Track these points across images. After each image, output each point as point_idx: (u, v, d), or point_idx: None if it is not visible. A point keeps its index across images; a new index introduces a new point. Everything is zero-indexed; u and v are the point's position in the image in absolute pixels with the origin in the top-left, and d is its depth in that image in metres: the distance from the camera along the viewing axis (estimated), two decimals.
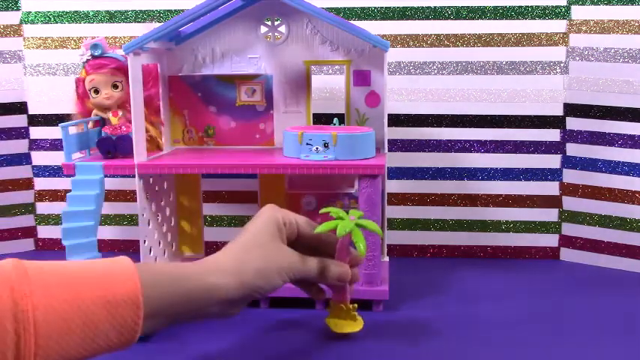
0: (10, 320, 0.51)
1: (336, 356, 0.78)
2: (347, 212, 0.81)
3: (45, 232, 1.25)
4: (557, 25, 1.11)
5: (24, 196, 1.23)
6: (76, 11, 1.19)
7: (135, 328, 0.58)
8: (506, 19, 1.12)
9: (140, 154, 0.92)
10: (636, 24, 1.06)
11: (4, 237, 1.22)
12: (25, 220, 1.24)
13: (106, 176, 0.91)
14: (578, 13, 1.10)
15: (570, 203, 1.14)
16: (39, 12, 1.19)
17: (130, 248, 1.22)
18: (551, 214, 1.15)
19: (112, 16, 1.18)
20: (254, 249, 0.71)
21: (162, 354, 0.80)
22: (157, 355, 0.80)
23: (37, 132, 1.22)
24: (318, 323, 0.87)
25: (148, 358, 0.79)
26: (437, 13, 1.13)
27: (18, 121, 1.21)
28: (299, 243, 0.78)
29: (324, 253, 0.79)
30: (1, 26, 1.19)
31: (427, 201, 1.18)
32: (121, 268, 0.60)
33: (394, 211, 1.17)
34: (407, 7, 1.13)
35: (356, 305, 0.82)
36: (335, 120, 0.99)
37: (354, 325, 0.82)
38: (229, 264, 0.69)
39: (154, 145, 1.00)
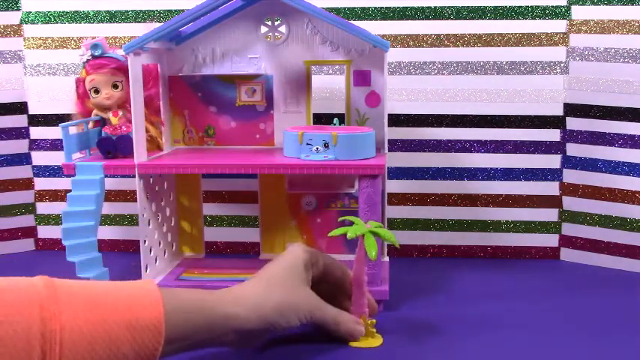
0: (37, 339, 0.53)
1: (336, 356, 0.78)
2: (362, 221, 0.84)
3: (45, 232, 1.25)
4: (557, 25, 1.11)
5: (24, 196, 1.23)
6: (76, 11, 1.19)
7: (154, 352, 0.60)
8: (506, 19, 1.12)
9: (140, 154, 0.92)
10: (636, 24, 1.06)
11: (4, 237, 1.22)
12: (25, 220, 1.24)
13: (106, 176, 0.91)
14: (578, 13, 1.10)
15: (570, 203, 1.14)
16: (39, 12, 1.19)
17: (130, 248, 1.22)
18: (551, 214, 1.15)
19: (112, 16, 1.18)
20: (277, 286, 0.74)
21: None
22: None
23: (37, 132, 1.22)
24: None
25: None
26: (437, 13, 1.13)
27: (18, 121, 1.21)
28: (323, 281, 0.81)
29: (345, 294, 0.83)
30: (1, 26, 1.19)
31: (427, 201, 1.18)
32: (146, 293, 0.62)
33: (394, 211, 1.17)
34: (407, 7, 1.13)
35: (374, 321, 0.82)
36: (335, 120, 0.99)
37: (372, 342, 0.81)
38: (251, 297, 0.71)
39: (154, 145, 1.00)
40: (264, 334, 0.73)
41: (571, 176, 1.13)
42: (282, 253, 0.79)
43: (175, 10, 1.16)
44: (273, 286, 0.73)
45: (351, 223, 0.83)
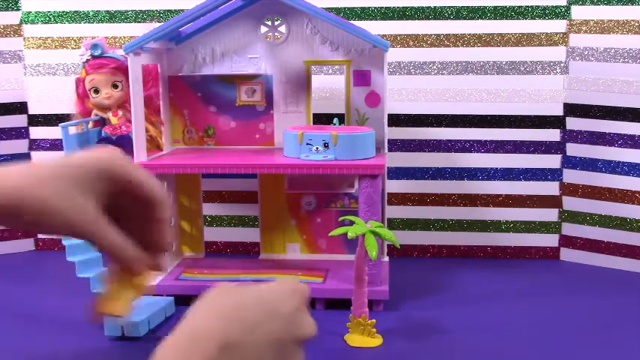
0: None
1: (336, 356, 0.79)
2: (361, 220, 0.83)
3: None
4: (557, 25, 1.11)
5: None
6: (76, 11, 1.19)
7: None
8: (506, 19, 1.12)
9: (140, 154, 0.92)
10: (636, 24, 1.06)
11: (4, 237, 1.22)
12: None
13: None
14: (578, 13, 1.10)
15: (570, 203, 1.14)
16: (39, 12, 1.19)
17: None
18: (551, 214, 1.15)
19: (112, 16, 1.18)
20: (47, 179, 0.56)
21: None
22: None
23: (37, 132, 1.22)
24: (317, 322, 0.86)
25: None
26: (437, 13, 1.13)
27: (18, 121, 1.21)
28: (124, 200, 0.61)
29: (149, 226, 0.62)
30: (1, 26, 1.19)
31: (427, 201, 1.18)
32: None
33: (394, 211, 1.17)
34: (407, 7, 1.13)
35: (374, 321, 0.82)
36: (335, 120, 0.99)
37: (372, 342, 0.81)
38: (11, 178, 0.56)
39: (153, 145, 1.00)
40: (17, 222, 0.57)
41: (571, 176, 1.13)
42: (81, 153, 0.59)
43: (175, 10, 1.16)
44: (42, 179, 0.56)
45: (351, 223, 0.83)
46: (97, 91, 0.96)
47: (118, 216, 0.60)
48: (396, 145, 1.16)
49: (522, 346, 0.81)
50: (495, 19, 1.12)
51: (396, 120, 1.15)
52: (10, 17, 1.19)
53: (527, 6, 1.11)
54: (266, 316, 0.50)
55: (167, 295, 0.93)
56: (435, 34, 1.13)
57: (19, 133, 1.22)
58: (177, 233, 1.09)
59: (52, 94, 1.20)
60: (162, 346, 0.47)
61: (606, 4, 1.08)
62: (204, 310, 0.51)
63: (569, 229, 1.15)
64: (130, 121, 0.93)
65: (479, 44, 1.13)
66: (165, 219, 0.62)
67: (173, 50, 1.03)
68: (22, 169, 0.57)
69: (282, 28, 1.01)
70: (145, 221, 0.62)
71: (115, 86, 0.96)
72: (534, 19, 1.11)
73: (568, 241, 1.15)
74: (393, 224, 1.18)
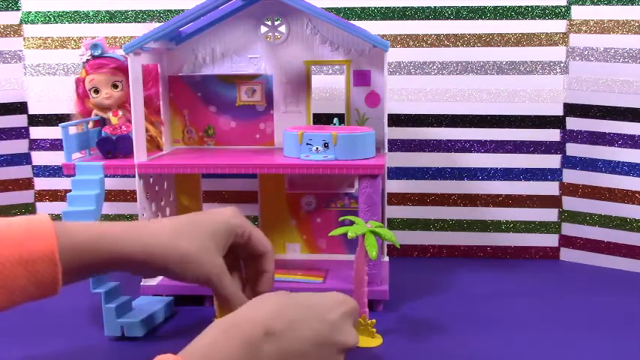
0: None
1: None
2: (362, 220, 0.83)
3: None
4: (557, 25, 1.11)
5: (24, 196, 1.23)
6: (76, 11, 1.19)
7: (54, 282, 0.61)
8: (506, 19, 1.12)
9: (140, 154, 0.92)
10: (636, 24, 1.06)
11: None
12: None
13: (106, 176, 0.91)
14: (578, 13, 1.10)
15: (570, 203, 1.14)
16: (39, 12, 1.19)
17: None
18: (551, 214, 1.15)
19: (112, 16, 1.18)
20: (187, 236, 0.67)
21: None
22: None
23: (37, 132, 1.22)
24: None
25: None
26: (437, 13, 1.13)
27: (18, 121, 1.21)
28: (241, 255, 0.75)
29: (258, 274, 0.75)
30: (1, 26, 1.19)
31: (427, 201, 1.18)
32: (38, 226, 0.61)
33: (394, 211, 1.17)
34: (407, 7, 1.13)
35: (374, 321, 0.82)
36: (335, 120, 0.99)
37: (372, 342, 0.81)
38: (156, 238, 0.67)
39: (153, 145, 1.00)
40: (161, 272, 0.69)
41: (571, 176, 1.13)
42: (211, 210, 0.73)
43: (175, 10, 1.16)
44: (184, 234, 0.67)
45: (351, 223, 0.83)
46: (97, 91, 0.96)
47: (235, 265, 0.72)
48: (396, 145, 1.16)
49: (522, 346, 0.81)
50: (495, 19, 1.12)
51: (396, 120, 1.15)
52: (10, 17, 1.19)
53: (527, 6, 1.11)
54: (310, 317, 0.57)
55: (167, 295, 0.93)
56: (435, 34, 1.13)
57: (19, 133, 1.22)
58: None
59: (52, 94, 1.20)
60: (210, 326, 0.55)
61: (606, 4, 1.08)
62: (254, 304, 0.58)
63: (569, 229, 1.15)
64: (130, 121, 0.93)
65: (479, 44, 1.13)
66: (273, 270, 0.73)
67: (173, 50, 1.03)
68: (166, 224, 0.68)
69: (282, 28, 1.01)
70: (256, 272, 0.73)
71: (115, 86, 0.96)
72: (534, 19, 1.11)
73: (568, 241, 1.15)
74: (393, 224, 1.18)
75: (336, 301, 0.61)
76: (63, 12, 1.19)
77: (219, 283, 0.68)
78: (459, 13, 1.12)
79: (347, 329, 0.60)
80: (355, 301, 0.63)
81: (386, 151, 0.97)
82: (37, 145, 1.22)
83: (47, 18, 1.19)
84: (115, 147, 0.94)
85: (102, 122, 0.97)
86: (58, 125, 0.92)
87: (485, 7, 1.12)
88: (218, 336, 0.54)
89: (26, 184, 1.23)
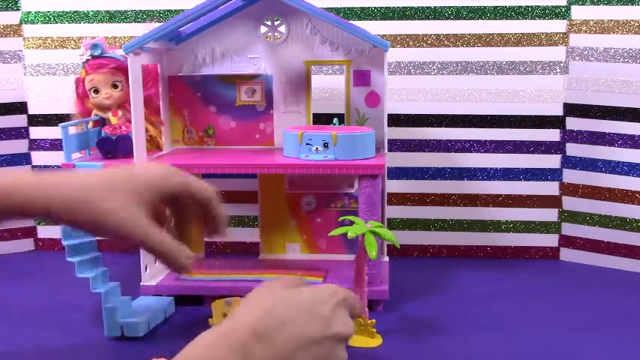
0: None
1: None
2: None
3: (45, 232, 1.25)
4: (557, 25, 1.11)
5: None
6: (76, 11, 1.19)
7: None
8: (506, 19, 1.12)
9: (140, 154, 0.91)
10: (636, 24, 1.06)
11: (4, 237, 1.22)
12: (25, 220, 1.24)
13: None
14: (578, 13, 1.10)
15: (570, 203, 1.14)
16: (39, 12, 1.19)
17: (130, 248, 1.22)
18: (551, 214, 1.15)
19: (112, 16, 1.18)
20: (93, 177, 0.65)
21: (169, 353, 0.80)
22: (168, 353, 0.80)
23: (37, 132, 1.22)
24: None
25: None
26: (437, 13, 1.13)
27: (18, 121, 1.21)
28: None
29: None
30: (1, 26, 1.19)
31: (427, 201, 1.18)
32: None
33: (394, 211, 1.17)
34: (407, 7, 1.13)
35: (374, 321, 0.82)
36: (335, 120, 0.99)
37: (372, 342, 0.81)
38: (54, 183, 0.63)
39: (153, 145, 1.00)
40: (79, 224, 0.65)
41: (571, 176, 1.13)
42: (143, 166, 0.70)
43: (175, 10, 1.16)
44: (106, 191, 0.63)
45: (351, 223, 0.83)
46: (96, 91, 0.96)
47: (182, 212, 0.71)
48: (396, 145, 1.16)
49: (522, 345, 0.80)
50: (495, 19, 1.12)
51: (396, 120, 1.15)
52: (10, 17, 1.19)
53: (527, 6, 1.11)
54: (302, 314, 0.56)
55: (167, 295, 0.93)
56: (435, 34, 1.13)
57: (19, 133, 1.22)
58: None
59: (52, 94, 1.20)
60: (204, 333, 0.54)
61: (606, 4, 1.08)
62: (246, 305, 0.58)
63: (569, 229, 1.15)
64: (129, 121, 0.93)
65: (479, 44, 1.13)
66: (220, 212, 0.72)
67: (173, 50, 1.03)
68: (89, 180, 0.64)
69: (282, 28, 1.01)
70: (205, 216, 0.72)
71: (114, 86, 0.96)
72: (534, 19, 1.11)
73: (568, 241, 1.15)
74: (393, 224, 1.18)
75: (328, 294, 0.60)
76: (63, 12, 1.19)
77: (146, 237, 0.64)
78: (458, 13, 1.12)
79: (341, 320, 0.59)
80: (348, 290, 0.62)
81: (386, 151, 0.97)
82: (36, 145, 1.22)
83: (47, 18, 1.19)
84: (114, 147, 0.94)
85: (102, 122, 0.97)
86: (57, 125, 0.92)
87: (485, 7, 1.12)
88: (211, 342, 0.53)
89: None
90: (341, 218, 0.91)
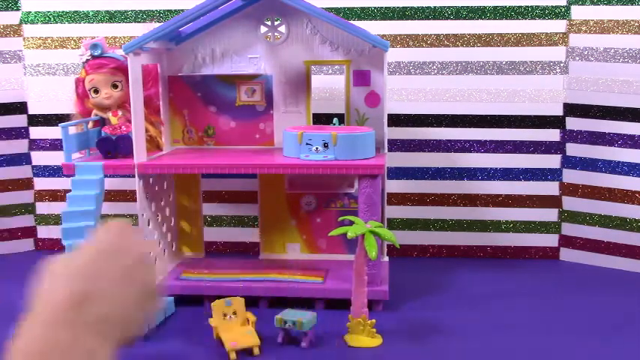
0: None
1: (336, 356, 0.78)
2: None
3: (45, 232, 1.25)
4: (557, 25, 1.11)
5: (24, 196, 1.23)
6: (76, 11, 1.19)
7: None
8: (506, 19, 1.12)
9: (140, 154, 0.91)
10: (636, 24, 1.06)
11: (4, 237, 1.22)
12: (25, 220, 1.24)
13: (105, 176, 0.91)
14: (578, 13, 1.10)
15: (570, 203, 1.14)
16: (39, 12, 1.19)
17: None
18: (551, 214, 1.15)
19: (112, 16, 1.18)
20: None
21: (169, 353, 0.80)
22: (168, 353, 0.80)
23: (37, 132, 1.22)
24: (317, 322, 0.86)
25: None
26: (437, 13, 1.13)
27: (18, 121, 1.21)
28: None
29: None
30: (1, 26, 1.19)
31: (427, 201, 1.18)
32: None
33: (394, 211, 1.17)
34: (407, 7, 1.13)
35: (374, 321, 0.82)
36: (335, 120, 0.99)
37: (372, 342, 0.81)
38: None
39: (153, 145, 1.00)
40: None
41: (571, 176, 1.13)
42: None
43: (175, 10, 1.16)
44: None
45: (351, 223, 0.83)
46: (96, 91, 0.96)
47: None
48: (396, 145, 1.16)
49: (522, 345, 0.81)
50: (495, 19, 1.12)
51: (396, 120, 1.15)
52: (10, 17, 1.19)
53: (527, 6, 1.11)
54: (106, 265, 0.51)
55: (167, 295, 0.93)
56: (435, 34, 1.13)
57: (19, 133, 1.22)
58: (177, 233, 1.09)
59: (52, 94, 1.20)
60: (26, 319, 0.48)
61: (606, 4, 1.08)
62: (49, 278, 0.52)
63: (569, 229, 1.15)
64: (129, 121, 0.93)
65: (479, 44, 1.13)
66: None
67: (173, 50, 1.03)
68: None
69: (282, 28, 1.01)
70: None
71: (114, 86, 0.96)
72: (534, 19, 1.11)
73: (568, 241, 1.15)
74: (393, 224, 1.18)
75: (112, 233, 0.55)
76: (63, 12, 1.19)
77: None
78: (459, 13, 1.12)
79: (141, 271, 0.54)
80: (125, 225, 0.56)
81: (386, 151, 0.97)
82: (36, 145, 1.22)
83: (47, 18, 1.19)
84: (114, 147, 0.94)
85: (102, 122, 0.97)
86: (57, 125, 0.92)
87: (485, 7, 1.12)
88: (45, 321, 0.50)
89: (26, 184, 1.23)
90: (341, 218, 0.91)
